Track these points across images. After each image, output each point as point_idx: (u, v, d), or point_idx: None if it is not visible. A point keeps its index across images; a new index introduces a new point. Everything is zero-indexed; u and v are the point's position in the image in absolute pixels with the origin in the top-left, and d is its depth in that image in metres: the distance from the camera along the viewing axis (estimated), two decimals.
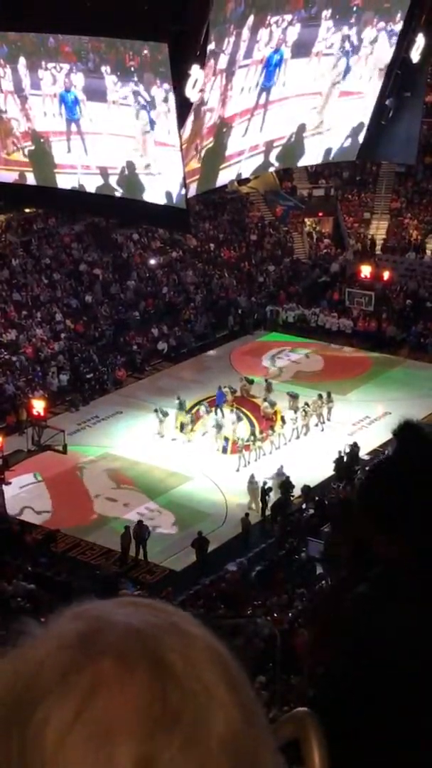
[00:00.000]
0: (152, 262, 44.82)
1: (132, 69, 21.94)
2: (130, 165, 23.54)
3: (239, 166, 25.75)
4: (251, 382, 36.36)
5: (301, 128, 27.33)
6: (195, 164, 23.42)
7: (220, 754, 0.81)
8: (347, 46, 26.24)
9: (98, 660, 0.82)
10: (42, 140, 25.12)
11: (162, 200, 22.82)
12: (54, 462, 31.19)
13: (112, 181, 24.11)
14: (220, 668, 0.85)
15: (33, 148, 25.43)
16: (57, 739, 0.79)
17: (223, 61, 22.60)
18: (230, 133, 24.67)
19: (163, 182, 22.76)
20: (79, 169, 24.75)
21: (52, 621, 0.88)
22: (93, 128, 24.00)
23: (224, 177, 25.68)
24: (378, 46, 26.29)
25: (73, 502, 29.55)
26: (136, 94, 22.20)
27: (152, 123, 22.19)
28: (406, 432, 1.88)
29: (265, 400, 34.51)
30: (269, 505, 28.55)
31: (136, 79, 21.96)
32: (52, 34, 22.02)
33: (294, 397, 34.33)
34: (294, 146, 27.14)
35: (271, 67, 25.00)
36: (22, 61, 23.64)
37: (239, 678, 0.87)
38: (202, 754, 0.80)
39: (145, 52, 21.23)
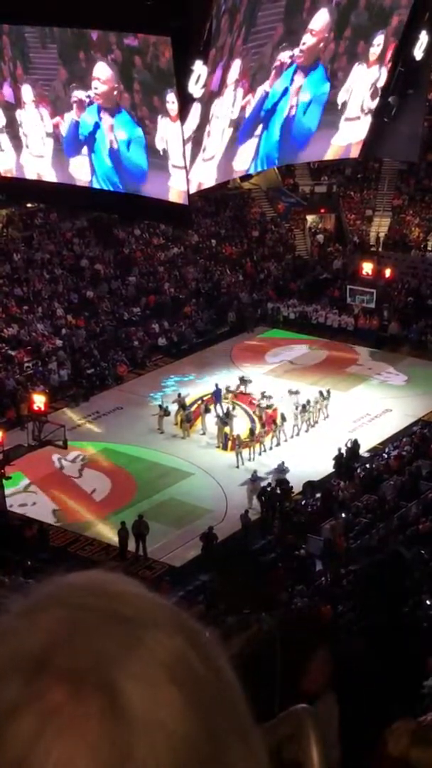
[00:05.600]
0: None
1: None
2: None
3: None
4: (249, 382, 36.28)
5: None
6: None
7: None
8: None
9: (50, 690, 0.80)
10: None
11: (164, 196, 21.92)
12: (55, 457, 31.24)
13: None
14: (180, 683, 0.83)
15: None
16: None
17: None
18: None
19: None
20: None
21: (16, 613, 0.86)
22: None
23: None
24: None
25: (72, 497, 29.57)
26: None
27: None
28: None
29: (262, 398, 34.57)
30: (267, 500, 28.56)
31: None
32: (51, 27, 20.99)
33: (295, 393, 34.36)
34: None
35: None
36: None
37: (202, 682, 0.85)
38: None
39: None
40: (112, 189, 21.29)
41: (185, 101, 19.81)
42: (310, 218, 50.07)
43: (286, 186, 49.65)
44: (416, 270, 45.16)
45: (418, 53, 25.47)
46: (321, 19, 20.95)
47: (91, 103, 20.56)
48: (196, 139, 19.64)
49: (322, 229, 49.99)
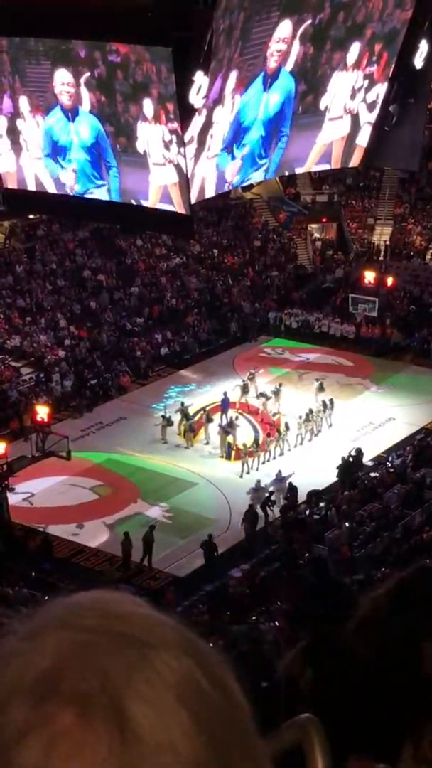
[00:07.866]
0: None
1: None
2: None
3: None
4: (256, 373, 37.04)
5: None
6: None
7: None
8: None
9: (58, 713, 0.79)
10: None
11: (144, 190, 22.70)
12: (58, 468, 31.22)
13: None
14: (188, 704, 0.82)
15: None
16: None
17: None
18: None
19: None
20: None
21: (21, 635, 0.85)
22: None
23: None
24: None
25: (76, 507, 29.55)
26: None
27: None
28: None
29: (266, 398, 34.85)
30: (270, 510, 28.54)
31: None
32: (57, 39, 21.78)
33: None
34: None
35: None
36: None
37: (210, 703, 0.84)
38: None
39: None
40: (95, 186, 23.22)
41: (187, 112, 20.09)
42: (310, 227, 50.12)
43: (287, 195, 49.71)
44: (418, 278, 45.18)
45: (419, 62, 25.59)
46: (285, 28, 22.51)
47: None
48: (200, 140, 21.17)
49: (322, 237, 50.03)
